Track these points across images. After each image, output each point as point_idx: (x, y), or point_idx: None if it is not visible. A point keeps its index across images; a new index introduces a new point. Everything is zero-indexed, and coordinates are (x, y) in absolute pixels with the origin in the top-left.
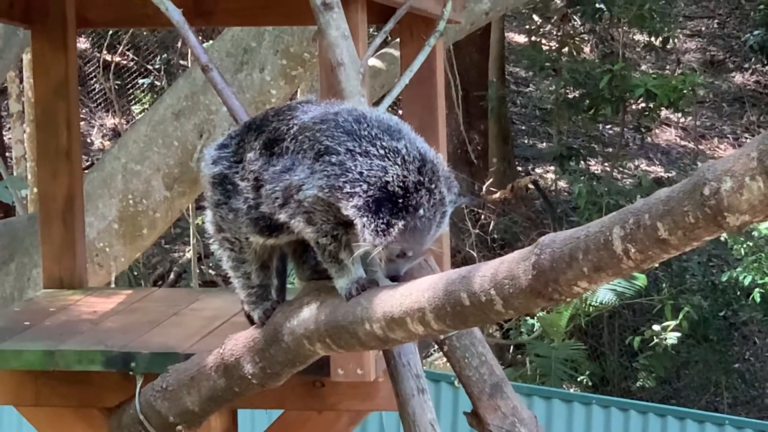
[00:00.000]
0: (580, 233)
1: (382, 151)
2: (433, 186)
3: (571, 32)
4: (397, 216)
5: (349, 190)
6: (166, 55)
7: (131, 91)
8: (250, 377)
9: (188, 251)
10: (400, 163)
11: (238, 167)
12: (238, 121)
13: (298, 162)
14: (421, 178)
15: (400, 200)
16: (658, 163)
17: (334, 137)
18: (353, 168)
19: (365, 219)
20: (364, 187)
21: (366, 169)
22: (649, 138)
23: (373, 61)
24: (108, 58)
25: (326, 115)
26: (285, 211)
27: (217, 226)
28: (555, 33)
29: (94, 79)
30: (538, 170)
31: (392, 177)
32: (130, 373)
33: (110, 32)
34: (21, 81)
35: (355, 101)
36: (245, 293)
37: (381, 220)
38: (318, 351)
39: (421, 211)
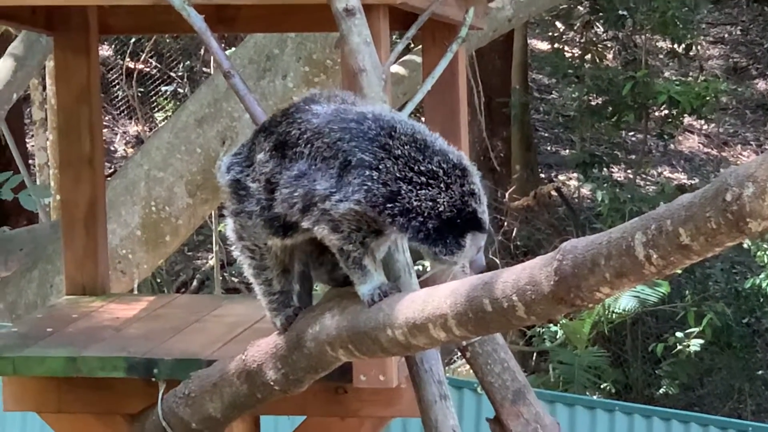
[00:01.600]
0: (602, 239)
1: (423, 179)
2: (474, 187)
3: (594, 39)
4: (462, 231)
5: (403, 222)
6: (189, 62)
7: (154, 98)
8: (272, 383)
9: (211, 258)
10: (443, 187)
11: (249, 170)
12: None
13: (317, 169)
14: (464, 188)
15: (458, 219)
16: (681, 170)
17: (368, 151)
18: (400, 194)
19: (436, 248)
20: (420, 219)
21: (415, 200)
22: (672, 145)
23: (396, 68)
24: (131, 65)
25: (345, 121)
26: (307, 217)
27: (237, 234)
28: (578, 40)
29: (117, 87)
30: (561, 177)
31: (443, 205)
32: (153, 379)
33: (133, 40)
34: (44, 88)
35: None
36: (267, 300)
37: (452, 241)
38: (340, 357)
39: (477, 212)
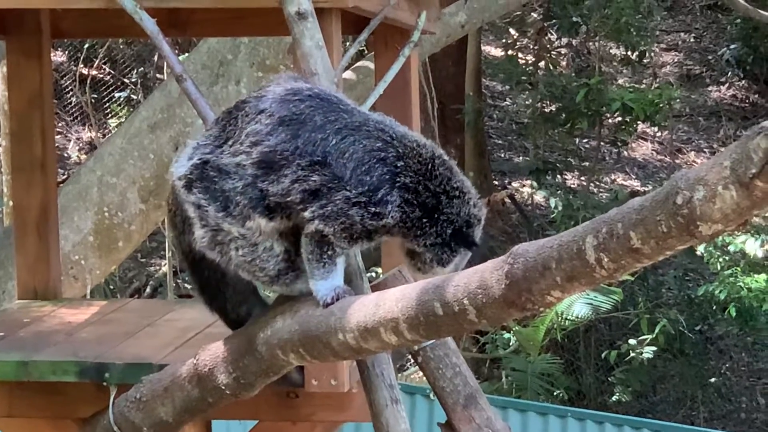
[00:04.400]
0: (553, 243)
1: (455, 198)
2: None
3: (548, 46)
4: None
5: (427, 230)
6: (142, 68)
7: (107, 104)
8: (223, 388)
9: (164, 265)
10: (468, 200)
11: (224, 148)
12: None
13: (342, 165)
14: (475, 204)
15: (466, 230)
16: (634, 177)
17: (412, 176)
18: (432, 217)
19: (443, 256)
20: (449, 230)
21: (447, 213)
22: (625, 152)
23: (348, 74)
24: (84, 71)
25: (391, 136)
26: (311, 208)
27: (211, 239)
28: (531, 47)
29: (71, 93)
30: (515, 184)
31: (462, 218)
32: (104, 383)
33: (86, 45)
34: None
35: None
36: (275, 270)
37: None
38: (292, 361)
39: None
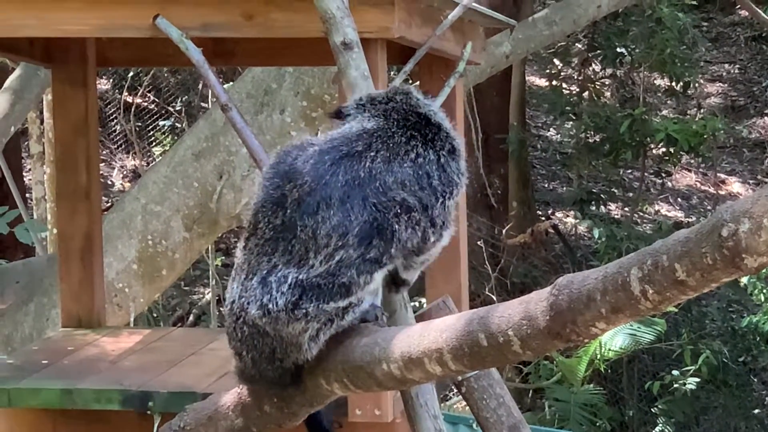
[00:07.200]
0: (598, 274)
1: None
2: None
3: (592, 76)
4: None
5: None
6: (186, 97)
7: (152, 132)
8: (267, 417)
9: (207, 293)
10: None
11: (303, 264)
12: (257, 161)
13: (416, 193)
14: None
15: None
16: (678, 207)
17: (438, 146)
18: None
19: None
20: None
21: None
22: (669, 183)
23: None
24: (129, 99)
25: (403, 141)
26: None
27: (322, 325)
28: (576, 77)
29: (115, 121)
30: (558, 214)
31: None
32: (148, 412)
33: (131, 74)
34: (42, 122)
35: None
36: (350, 323)
37: None
38: (335, 391)
39: None
